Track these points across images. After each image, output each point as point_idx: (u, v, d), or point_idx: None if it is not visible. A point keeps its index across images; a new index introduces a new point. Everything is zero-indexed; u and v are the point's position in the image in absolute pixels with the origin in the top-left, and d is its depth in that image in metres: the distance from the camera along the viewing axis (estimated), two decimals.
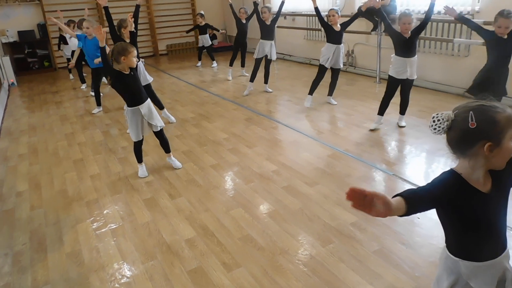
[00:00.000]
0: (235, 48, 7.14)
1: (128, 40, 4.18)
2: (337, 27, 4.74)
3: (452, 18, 3.65)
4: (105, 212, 2.89)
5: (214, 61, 8.40)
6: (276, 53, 8.66)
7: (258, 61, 5.81)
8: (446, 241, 1.32)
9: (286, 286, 2.07)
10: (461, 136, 1.17)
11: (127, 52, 3.01)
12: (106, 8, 4.35)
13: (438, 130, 1.19)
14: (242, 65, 7.29)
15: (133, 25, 4.08)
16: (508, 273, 1.29)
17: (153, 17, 9.96)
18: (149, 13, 9.95)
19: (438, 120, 1.18)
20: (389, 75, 3.94)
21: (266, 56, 5.77)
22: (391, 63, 3.93)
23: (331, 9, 4.76)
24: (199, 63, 8.55)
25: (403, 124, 4.17)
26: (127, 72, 3.10)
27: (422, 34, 5.59)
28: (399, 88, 4.01)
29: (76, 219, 2.82)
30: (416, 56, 3.84)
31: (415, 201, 1.15)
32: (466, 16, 4.13)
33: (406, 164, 3.43)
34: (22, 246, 2.54)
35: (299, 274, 2.15)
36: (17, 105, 6.23)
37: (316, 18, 7.42)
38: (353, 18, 4.78)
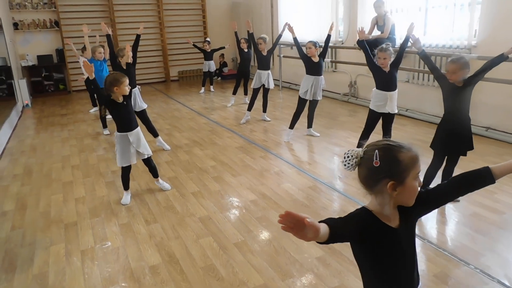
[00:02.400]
0: (238, 76, 7.35)
1: (124, 68, 4.37)
2: (316, 58, 4.82)
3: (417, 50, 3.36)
4: (79, 235, 2.96)
5: (212, 86, 8.91)
6: (282, 81, 8.90)
7: (255, 91, 5.94)
8: (365, 280, 1.32)
9: None
10: (367, 173, 1.20)
11: (119, 83, 3.15)
12: (108, 36, 4.60)
13: (348, 167, 1.23)
14: (245, 93, 7.46)
15: (130, 56, 4.24)
16: None
17: (165, 44, 10.34)
18: (162, 40, 10.34)
19: (348, 156, 1.22)
20: (369, 109, 3.96)
21: (264, 85, 5.89)
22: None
23: (308, 42, 4.85)
24: (202, 90, 8.81)
25: None
26: (120, 101, 3.24)
27: (417, 67, 5.65)
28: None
29: (51, 241, 2.89)
30: (396, 90, 3.85)
31: (337, 230, 1.14)
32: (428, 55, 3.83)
33: None
34: None
35: None
36: (26, 126, 6.50)
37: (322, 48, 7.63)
38: (326, 45, 4.82)
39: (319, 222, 1.13)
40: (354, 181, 3.70)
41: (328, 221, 1.14)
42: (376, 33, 5.92)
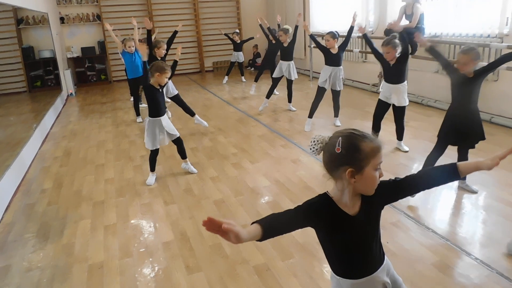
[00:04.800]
0: (261, 66, 7.60)
1: (159, 59, 4.72)
2: (335, 50, 4.85)
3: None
4: (105, 212, 3.26)
5: (243, 77, 9.03)
6: (313, 72, 8.89)
7: (274, 80, 6.12)
8: (328, 261, 1.43)
9: None
10: (329, 158, 1.29)
11: (163, 71, 3.45)
12: (148, 31, 4.97)
13: (313, 151, 1.32)
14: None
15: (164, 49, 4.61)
16: (388, 286, 1.38)
17: (200, 35, 10.62)
18: (197, 32, 10.62)
19: (314, 141, 1.31)
20: (378, 98, 4.00)
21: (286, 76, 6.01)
22: (418, 84, 4.01)
23: (326, 33, 4.87)
24: (226, 79, 9.02)
25: (404, 149, 4.13)
26: (157, 88, 3.53)
27: (445, 57, 5.47)
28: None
29: (80, 216, 3.21)
30: (402, 83, 3.84)
31: (273, 227, 1.23)
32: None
33: None
34: (30, 235, 2.97)
35: (251, 283, 2.30)
36: (68, 113, 7.02)
37: (351, 39, 7.56)
38: (348, 37, 4.84)
39: (253, 222, 1.20)
40: None
41: (261, 221, 1.21)
42: (404, 22, 5.78)
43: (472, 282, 2.21)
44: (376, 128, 4.12)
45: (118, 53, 8.84)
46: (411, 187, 1.39)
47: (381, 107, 4.04)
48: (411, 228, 2.77)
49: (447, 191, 3.37)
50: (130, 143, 5.06)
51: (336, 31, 4.94)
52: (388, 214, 2.95)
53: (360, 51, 7.37)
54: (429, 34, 5.74)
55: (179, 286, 2.31)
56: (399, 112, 4.01)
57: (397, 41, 3.72)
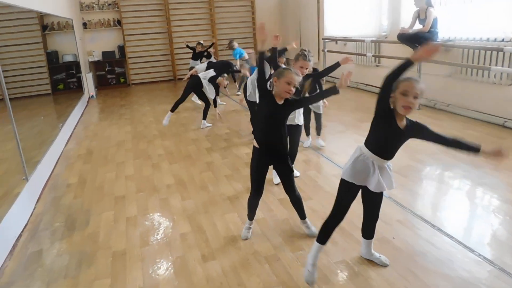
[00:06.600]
0: None
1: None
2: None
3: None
4: (126, 206, 3.47)
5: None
6: (328, 76, 9.00)
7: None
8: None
9: (246, 280, 2.39)
10: None
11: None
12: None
13: None
14: None
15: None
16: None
17: (216, 39, 10.88)
18: (212, 36, 10.90)
19: None
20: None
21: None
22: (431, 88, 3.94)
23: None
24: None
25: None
26: None
27: (459, 61, 5.54)
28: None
29: (103, 209, 3.43)
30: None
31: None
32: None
33: (403, 187, 3.53)
34: (59, 224, 3.20)
35: (261, 272, 2.46)
36: (90, 115, 7.33)
37: (364, 43, 7.63)
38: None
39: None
40: None
41: None
42: (418, 27, 5.89)
43: (475, 277, 2.31)
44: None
45: (136, 57, 9.22)
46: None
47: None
48: (417, 226, 2.89)
49: (453, 192, 3.47)
50: (148, 143, 5.29)
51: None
52: (395, 212, 3.07)
53: (373, 55, 7.47)
54: (443, 38, 5.82)
55: (195, 272, 2.49)
56: (296, 132, 3.64)
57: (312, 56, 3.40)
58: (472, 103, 5.52)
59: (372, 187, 2.15)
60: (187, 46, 8.46)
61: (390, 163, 2.19)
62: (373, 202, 2.34)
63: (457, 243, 2.63)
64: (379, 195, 2.30)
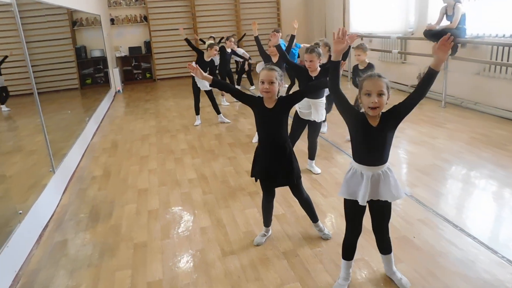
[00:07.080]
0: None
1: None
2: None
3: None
4: (148, 199, 3.56)
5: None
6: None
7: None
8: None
9: (264, 275, 2.41)
10: None
11: None
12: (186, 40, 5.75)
13: None
14: None
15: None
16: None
17: (241, 36, 10.91)
18: (238, 32, 10.92)
19: None
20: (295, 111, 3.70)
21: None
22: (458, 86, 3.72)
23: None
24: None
25: (316, 170, 3.89)
26: None
27: (487, 59, 5.36)
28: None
29: (126, 201, 3.52)
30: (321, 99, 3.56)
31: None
32: None
33: (426, 186, 3.46)
34: (83, 215, 3.31)
35: (279, 267, 2.48)
36: (116, 109, 7.51)
37: (390, 40, 7.48)
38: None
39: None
40: (393, 167, 3.79)
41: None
42: (445, 23, 5.72)
43: (497, 279, 2.25)
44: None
45: (163, 52, 9.34)
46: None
47: (298, 124, 3.71)
48: (439, 225, 2.83)
49: (478, 192, 3.37)
50: (171, 137, 5.38)
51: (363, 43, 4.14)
52: (416, 211, 3.02)
53: (399, 52, 7.32)
54: (471, 35, 5.64)
55: (214, 266, 2.52)
56: (313, 128, 3.71)
57: (321, 50, 3.38)
58: (500, 101, 5.33)
59: (360, 200, 2.03)
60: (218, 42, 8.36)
61: (388, 169, 2.05)
62: (379, 214, 2.17)
63: (480, 244, 2.56)
64: (387, 208, 2.13)
